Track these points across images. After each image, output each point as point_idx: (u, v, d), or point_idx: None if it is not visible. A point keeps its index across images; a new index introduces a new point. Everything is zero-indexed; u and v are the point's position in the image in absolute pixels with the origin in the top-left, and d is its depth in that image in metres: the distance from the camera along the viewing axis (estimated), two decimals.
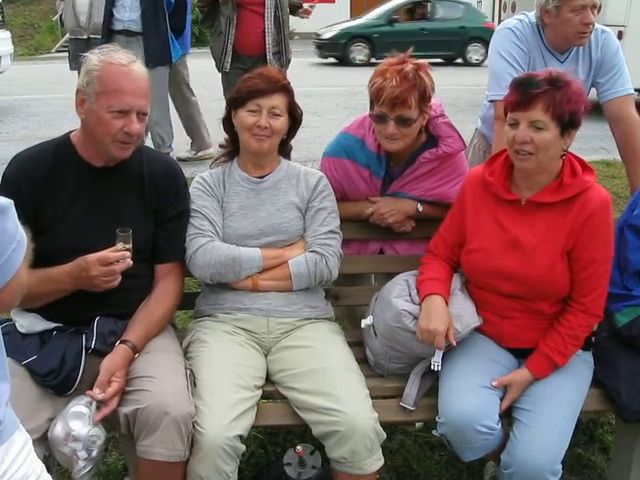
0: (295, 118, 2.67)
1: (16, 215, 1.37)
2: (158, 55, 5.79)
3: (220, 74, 5.98)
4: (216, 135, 2.80)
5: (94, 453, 2.11)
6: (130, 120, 2.30)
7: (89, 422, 2.08)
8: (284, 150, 2.76)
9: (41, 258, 2.18)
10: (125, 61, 2.32)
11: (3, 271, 1.33)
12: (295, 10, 6.15)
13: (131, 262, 2.28)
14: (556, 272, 2.35)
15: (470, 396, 2.30)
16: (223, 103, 2.90)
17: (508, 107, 2.32)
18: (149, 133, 6.04)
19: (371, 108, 2.68)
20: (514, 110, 2.28)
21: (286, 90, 2.61)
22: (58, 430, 2.08)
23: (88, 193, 2.40)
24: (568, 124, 2.26)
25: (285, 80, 2.64)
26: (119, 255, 2.25)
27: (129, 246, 2.28)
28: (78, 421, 2.07)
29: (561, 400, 2.32)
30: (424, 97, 2.60)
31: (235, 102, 2.60)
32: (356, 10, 23.39)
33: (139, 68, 2.36)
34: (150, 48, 5.78)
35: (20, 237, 1.38)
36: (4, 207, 1.33)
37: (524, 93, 2.25)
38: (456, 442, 2.33)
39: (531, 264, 2.36)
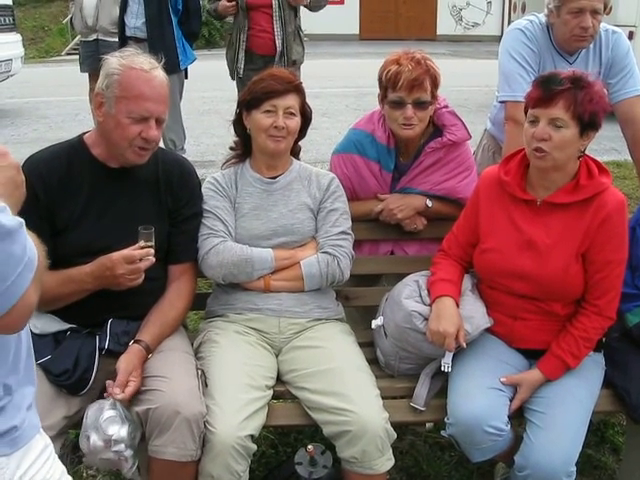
0: (306, 117, 2.69)
1: (26, 234, 1.33)
2: (163, 64, 5.74)
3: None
4: (226, 136, 2.80)
5: (136, 446, 2.12)
6: (149, 126, 2.31)
7: (123, 421, 2.09)
8: (294, 150, 2.77)
9: (57, 260, 2.20)
10: (147, 67, 2.32)
11: (7, 295, 1.29)
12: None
13: (154, 259, 2.30)
14: (571, 273, 2.35)
15: (479, 397, 2.30)
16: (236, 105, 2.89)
17: (529, 104, 2.31)
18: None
19: (384, 97, 2.73)
20: (535, 106, 2.28)
21: (299, 90, 2.63)
22: (95, 440, 2.07)
23: (103, 194, 2.41)
24: (588, 125, 2.25)
25: (298, 80, 2.65)
26: (143, 252, 2.27)
27: (151, 243, 2.30)
28: (113, 425, 2.07)
29: (574, 402, 2.32)
30: (435, 82, 2.71)
31: (249, 104, 2.60)
32: (365, 11, 23.33)
33: (160, 74, 2.36)
34: (154, 56, 5.73)
35: (29, 259, 1.32)
36: (12, 230, 1.29)
37: (546, 90, 2.25)
38: (465, 443, 2.33)
39: (546, 265, 2.35)
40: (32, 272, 1.34)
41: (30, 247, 1.34)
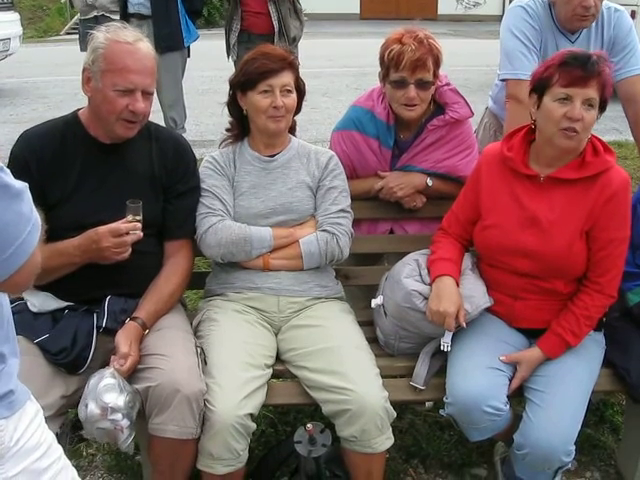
0: (301, 92, 2.65)
1: (31, 198, 1.39)
2: (168, 40, 5.72)
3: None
4: (225, 116, 2.77)
5: (134, 418, 2.12)
6: (135, 99, 2.30)
7: (121, 390, 2.08)
8: (290, 126, 2.73)
9: (50, 234, 2.20)
10: (131, 39, 2.31)
11: (19, 253, 1.36)
12: None
13: (141, 234, 2.30)
14: (574, 250, 2.34)
15: (477, 377, 2.30)
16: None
17: (562, 81, 2.23)
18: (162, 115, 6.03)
19: (386, 76, 2.70)
20: (570, 85, 2.22)
21: (293, 66, 2.59)
22: (92, 408, 2.06)
23: (97, 170, 2.41)
24: (602, 106, 2.27)
25: (291, 56, 2.62)
26: (130, 226, 2.27)
27: (139, 218, 2.30)
28: (111, 393, 2.06)
29: (574, 381, 2.32)
30: (437, 62, 2.67)
31: (244, 85, 2.57)
32: None
33: (145, 46, 2.35)
34: (159, 33, 5.71)
35: (35, 219, 1.40)
36: (20, 191, 1.35)
37: (584, 69, 2.21)
38: (463, 423, 2.34)
39: (549, 241, 2.34)
40: (39, 231, 1.41)
41: (34, 208, 1.41)
